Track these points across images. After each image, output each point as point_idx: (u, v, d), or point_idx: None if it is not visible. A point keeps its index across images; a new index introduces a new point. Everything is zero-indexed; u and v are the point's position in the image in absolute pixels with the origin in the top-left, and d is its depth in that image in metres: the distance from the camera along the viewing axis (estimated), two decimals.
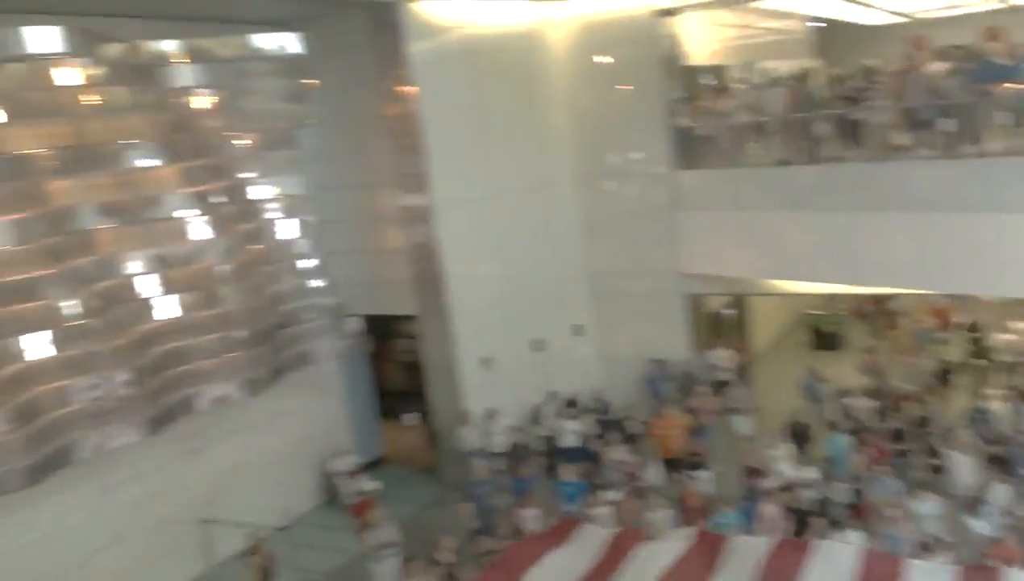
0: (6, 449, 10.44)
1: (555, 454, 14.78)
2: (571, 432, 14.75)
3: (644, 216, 16.22)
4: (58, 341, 11.22)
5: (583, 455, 14.16)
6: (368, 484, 14.34)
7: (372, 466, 16.23)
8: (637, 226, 16.33)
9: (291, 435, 15.14)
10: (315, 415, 15.63)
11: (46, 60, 11.32)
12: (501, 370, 15.97)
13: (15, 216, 10.81)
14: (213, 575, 13.37)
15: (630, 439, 14.31)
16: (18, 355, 10.90)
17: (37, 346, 11.08)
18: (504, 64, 15.96)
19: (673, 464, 13.80)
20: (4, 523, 11.19)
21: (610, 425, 15.01)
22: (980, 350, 16.61)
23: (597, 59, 16.32)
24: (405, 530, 12.49)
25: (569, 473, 12.89)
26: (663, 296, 16.48)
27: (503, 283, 16.02)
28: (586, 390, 16.13)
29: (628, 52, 15.95)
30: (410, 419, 16.22)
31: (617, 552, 10.82)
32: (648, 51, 15.71)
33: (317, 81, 14.60)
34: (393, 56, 14.71)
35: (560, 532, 11.58)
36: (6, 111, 10.83)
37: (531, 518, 12.06)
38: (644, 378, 16.59)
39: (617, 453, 13.53)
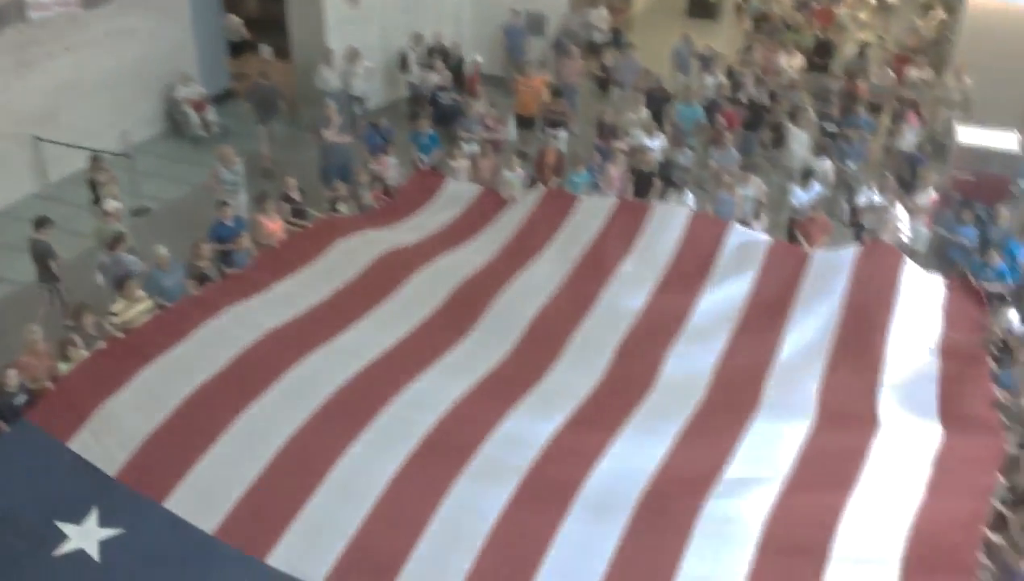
0: None
1: (417, 103, 14.47)
2: (432, 83, 14.34)
3: None
4: None
5: (441, 105, 13.93)
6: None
7: (220, 99, 15.47)
8: None
9: (130, 57, 13.96)
10: (157, 37, 14.34)
11: None
12: (368, 8, 15.08)
13: None
14: (48, 194, 12.84)
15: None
16: None
17: None
18: None
19: (531, 123, 13.82)
20: None
21: (460, 78, 14.78)
22: None
23: None
24: (251, 167, 12.26)
25: (425, 124, 12.63)
26: None
27: None
28: (450, 37, 15.52)
29: None
30: (264, 51, 15.15)
31: (479, 216, 10.92)
32: None
33: None
34: None
35: (423, 188, 11.49)
36: None
37: (390, 166, 11.88)
38: (505, 30, 16.10)
39: (479, 106, 13.33)
